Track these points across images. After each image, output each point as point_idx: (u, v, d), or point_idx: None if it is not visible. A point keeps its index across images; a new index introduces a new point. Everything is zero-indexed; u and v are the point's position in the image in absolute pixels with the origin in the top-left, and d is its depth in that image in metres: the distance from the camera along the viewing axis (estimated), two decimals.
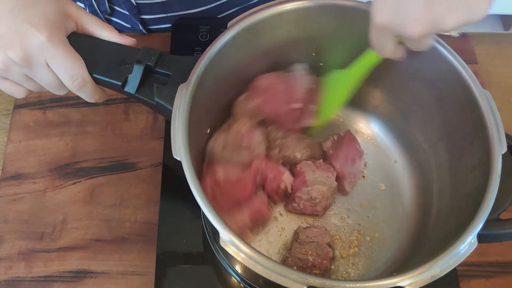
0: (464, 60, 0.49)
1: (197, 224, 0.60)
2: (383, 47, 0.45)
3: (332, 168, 0.59)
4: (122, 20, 0.78)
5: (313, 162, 0.59)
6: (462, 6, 0.36)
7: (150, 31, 0.79)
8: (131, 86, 0.49)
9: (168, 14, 0.76)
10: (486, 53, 0.76)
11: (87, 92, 0.50)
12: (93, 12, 0.75)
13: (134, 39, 0.51)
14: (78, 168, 0.66)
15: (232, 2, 0.76)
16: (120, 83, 0.49)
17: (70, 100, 0.70)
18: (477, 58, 0.75)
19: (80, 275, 0.59)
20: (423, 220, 0.56)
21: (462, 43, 0.76)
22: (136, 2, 0.73)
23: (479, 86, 0.47)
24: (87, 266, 0.59)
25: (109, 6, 0.75)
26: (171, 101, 0.47)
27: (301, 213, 0.59)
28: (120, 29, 0.78)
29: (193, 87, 0.47)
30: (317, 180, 0.57)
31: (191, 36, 0.73)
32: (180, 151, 0.43)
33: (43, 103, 0.70)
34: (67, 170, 0.65)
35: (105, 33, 0.50)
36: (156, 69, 0.50)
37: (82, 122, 0.69)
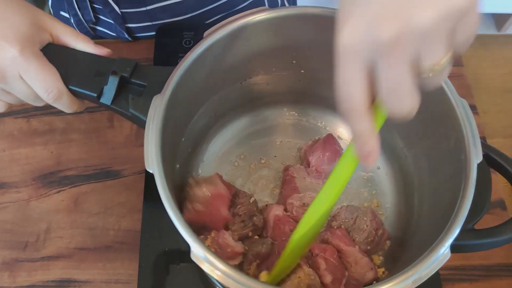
0: None
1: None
2: (353, 88, 0.33)
3: (322, 175, 0.58)
4: (107, 29, 0.78)
5: (305, 168, 0.58)
6: None
7: (136, 38, 0.79)
8: (107, 97, 0.49)
9: (154, 22, 0.76)
10: (473, 56, 0.76)
11: (64, 103, 0.50)
12: (78, 21, 0.75)
13: (109, 50, 0.51)
14: (63, 177, 0.66)
15: (217, 9, 0.76)
16: (95, 95, 0.49)
17: (54, 108, 0.69)
18: (463, 61, 0.74)
19: (64, 284, 0.59)
20: (404, 228, 0.55)
21: None
22: (121, 11, 0.73)
23: (456, 94, 0.47)
24: (71, 275, 0.60)
25: (94, 16, 0.75)
26: (146, 112, 0.46)
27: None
28: (105, 38, 0.79)
29: (167, 98, 0.46)
30: (308, 187, 0.56)
31: (175, 42, 0.73)
32: (153, 164, 0.43)
33: (27, 111, 0.70)
34: (51, 179, 0.66)
35: (80, 43, 0.50)
36: (132, 80, 0.49)
37: (67, 130, 0.69)
